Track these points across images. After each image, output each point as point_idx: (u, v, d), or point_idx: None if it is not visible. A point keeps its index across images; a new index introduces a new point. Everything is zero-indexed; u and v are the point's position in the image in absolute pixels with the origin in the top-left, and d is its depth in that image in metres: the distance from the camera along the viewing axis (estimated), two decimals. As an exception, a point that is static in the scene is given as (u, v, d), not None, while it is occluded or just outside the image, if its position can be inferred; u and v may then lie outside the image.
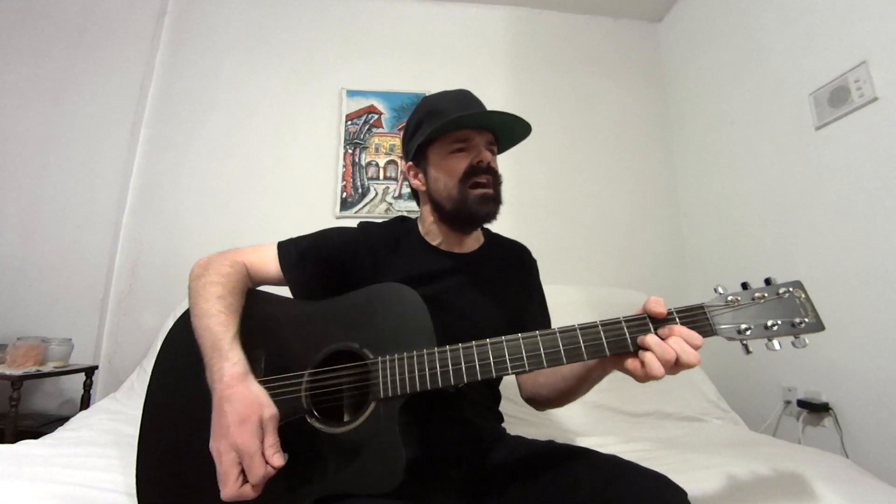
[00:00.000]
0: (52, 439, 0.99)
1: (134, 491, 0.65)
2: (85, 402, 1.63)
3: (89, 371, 1.67)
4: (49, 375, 1.51)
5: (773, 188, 1.64)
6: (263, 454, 0.54)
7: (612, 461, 0.64)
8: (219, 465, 0.54)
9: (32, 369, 1.47)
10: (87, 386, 1.65)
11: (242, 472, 0.54)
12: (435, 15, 2.28)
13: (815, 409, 1.39)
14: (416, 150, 0.83)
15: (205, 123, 2.04)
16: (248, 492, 0.53)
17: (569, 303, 1.70)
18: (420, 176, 0.85)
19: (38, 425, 1.52)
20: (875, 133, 1.29)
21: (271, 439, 0.55)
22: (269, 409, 0.57)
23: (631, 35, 2.40)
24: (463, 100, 0.82)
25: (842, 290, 1.34)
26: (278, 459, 0.55)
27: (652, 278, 2.06)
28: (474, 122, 0.79)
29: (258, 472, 0.53)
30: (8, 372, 1.41)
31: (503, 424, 0.88)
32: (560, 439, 0.89)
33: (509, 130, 0.82)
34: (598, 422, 1.33)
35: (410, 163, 0.86)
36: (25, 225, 1.83)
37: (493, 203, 0.79)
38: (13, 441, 1.05)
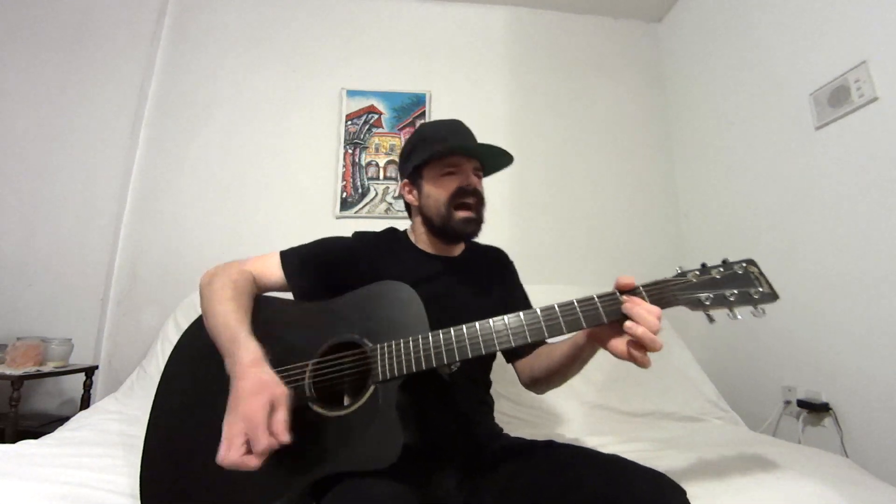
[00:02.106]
0: (52, 439, 0.99)
1: (134, 491, 0.65)
2: (85, 402, 1.63)
3: (89, 371, 1.67)
4: (49, 375, 1.51)
5: (773, 188, 1.64)
6: (271, 428, 0.55)
7: (613, 460, 0.65)
8: (225, 434, 0.55)
9: (32, 369, 1.47)
10: (87, 386, 1.66)
11: (247, 443, 0.55)
12: (435, 15, 2.28)
13: (815, 409, 1.39)
14: (412, 170, 0.93)
15: (205, 123, 2.04)
16: (250, 461, 0.54)
17: (569, 303, 1.71)
18: (414, 192, 0.95)
19: (38, 425, 1.52)
20: (875, 133, 1.29)
21: (282, 415, 0.57)
22: (281, 388, 0.59)
23: (631, 35, 2.40)
24: (455, 129, 0.93)
25: (841, 289, 1.34)
26: (285, 436, 0.56)
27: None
28: (465, 151, 0.90)
29: (262, 441, 0.54)
30: (8, 372, 1.41)
31: (502, 425, 0.90)
32: (560, 439, 0.89)
33: (494, 160, 0.94)
34: (598, 422, 1.33)
35: (406, 180, 0.96)
36: (26, 225, 1.83)
37: (475, 224, 0.90)
38: (13, 441, 1.05)
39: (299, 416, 0.63)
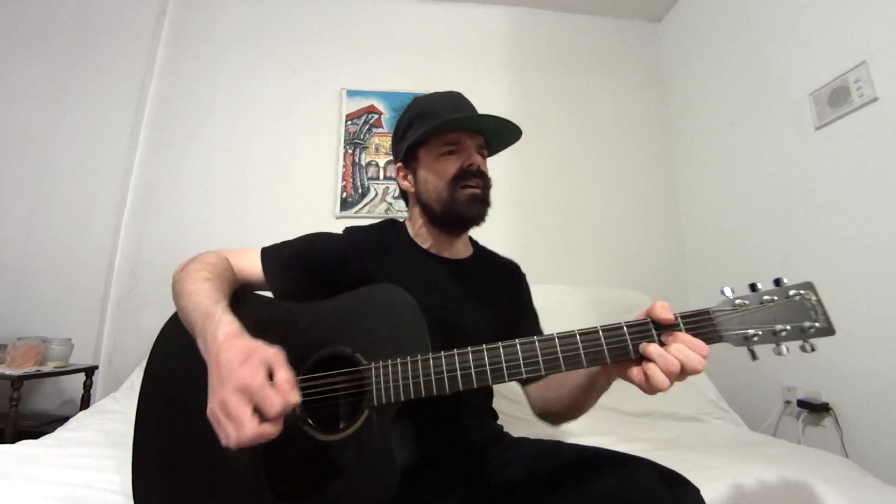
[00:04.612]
0: (52, 439, 0.99)
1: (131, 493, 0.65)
2: (85, 402, 1.63)
3: (89, 371, 1.67)
4: (49, 375, 1.51)
5: (773, 188, 1.64)
6: (277, 390, 0.49)
7: (626, 458, 0.63)
8: (225, 414, 0.48)
9: (32, 369, 1.47)
10: (87, 386, 1.66)
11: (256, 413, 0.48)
12: (435, 15, 2.28)
13: (815, 409, 1.39)
14: (406, 151, 0.82)
15: (205, 123, 2.04)
16: (270, 429, 0.47)
17: (569, 303, 1.71)
18: (409, 177, 0.84)
19: (38, 425, 1.52)
20: (875, 133, 1.29)
21: (283, 373, 0.50)
22: (272, 349, 0.53)
23: (631, 35, 2.40)
24: (454, 102, 0.82)
25: (841, 289, 1.34)
26: (294, 395, 0.49)
27: (652, 278, 2.06)
28: (465, 124, 0.79)
29: (274, 401, 0.47)
30: (8, 372, 1.41)
31: (500, 422, 0.87)
32: (561, 439, 0.89)
33: (500, 134, 0.82)
34: (598, 422, 1.32)
35: (400, 164, 0.85)
36: (25, 225, 1.83)
37: (480, 205, 0.79)
38: (13, 441, 1.05)
39: (287, 435, 0.59)
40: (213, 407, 0.50)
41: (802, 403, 1.43)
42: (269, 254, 0.79)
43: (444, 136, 0.79)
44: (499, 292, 0.85)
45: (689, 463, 0.92)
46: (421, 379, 0.58)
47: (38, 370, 1.48)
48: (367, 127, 2.11)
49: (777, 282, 0.54)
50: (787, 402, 1.51)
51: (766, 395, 1.60)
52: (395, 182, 2.06)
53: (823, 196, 1.44)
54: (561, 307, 1.62)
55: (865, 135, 1.32)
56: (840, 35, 1.40)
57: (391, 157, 2.08)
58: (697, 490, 0.56)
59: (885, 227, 1.25)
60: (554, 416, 0.76)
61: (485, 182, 0.80)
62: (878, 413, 1.24)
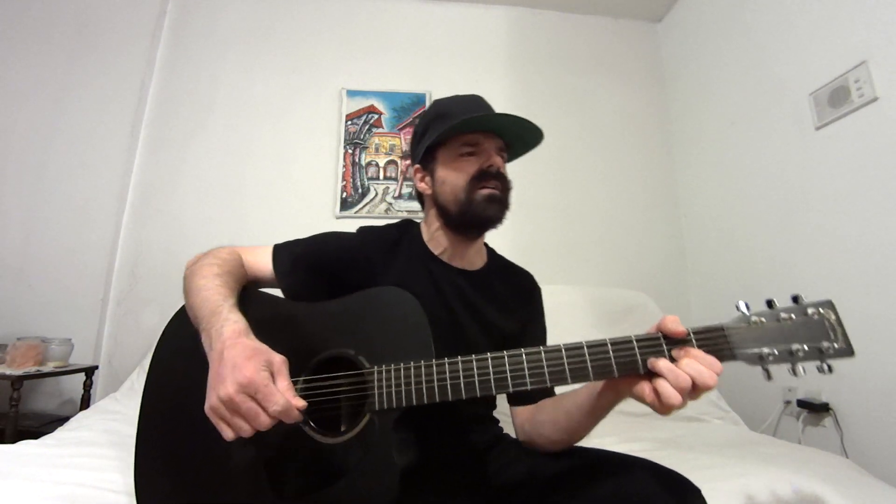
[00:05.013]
0: (52, 439, 0.99)
1: (133, 491, 0.65)
2: (85, 402, 1.63)
3: (89, 371, 1.67)
4: (49, 375, 1.51)
5: (773, 188, 1.64)
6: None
7: (627, 460, 0.63)
8: (230, 410, 0.49)
9: (32, 369, 1.46)
10: (87, 386, 1.65)
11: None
12: (435, 15, 2.29)
13: (815, 409, 1.39)
14: (425, 152, 0.81)
15: (205, 123, 2.04)
16: (297, 410, 0.49)
17: (569, 303, 1.71)
18: (427, 179, 0.82)
19: (38, 425, 1.52)
20: (875, 133, 1.29)
21: (285, 382, 0.51)
22: (278, 355, 0.54)
23: (631, 35, 2.40)
24: (474, 104, 0.81)
25: (841, 289, 1.34)
26: (299, 401, 0.50)
27: (652, 278, 2.06)
28: (484, 123, 0.77)
29: (277, 400, 0.48)
30: (8, 372, 1.41)
31: (500, 424, 0.87)
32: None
33: (520, 136, 0.80)
34: (598, 422, 1.32)
35: (418, 165, 0.84)
36: (25, 225, 1.83)
37: (499, 205, 0.77)
38: (13, 441, 1.05)
39: (288, 436, 0.59)
40: (214, 404, 0.50)
41: (802, 403, 1.43)
42: (280, 251, 0.79)
43: (462, 137, 0.77)
44: (506, 305, 0.83)
45: (688, 463, 0.92)
46: (423, 385, 0.57)
47: (38, 370, 1.48)
48: (367, 127, 2.11)
49: (795, 298, 0.52)
50: (787, 402, 1.51)
51: (766, 395, 1.60)
52: (395, 182, 2.08)
53: (823, 196, 1.44)
54: (561, 307, 1.62)
55: (865, 135, 1.32)
56: (840, 35, 1.40)
57: (391, 157, 2.09)
58: (699, 491, 0.56)
59: (885, 227, 1.25)
60: (543, 440, 0.71)
61: (504, 184, 0.78)
62: (878, 413, 1.24)
